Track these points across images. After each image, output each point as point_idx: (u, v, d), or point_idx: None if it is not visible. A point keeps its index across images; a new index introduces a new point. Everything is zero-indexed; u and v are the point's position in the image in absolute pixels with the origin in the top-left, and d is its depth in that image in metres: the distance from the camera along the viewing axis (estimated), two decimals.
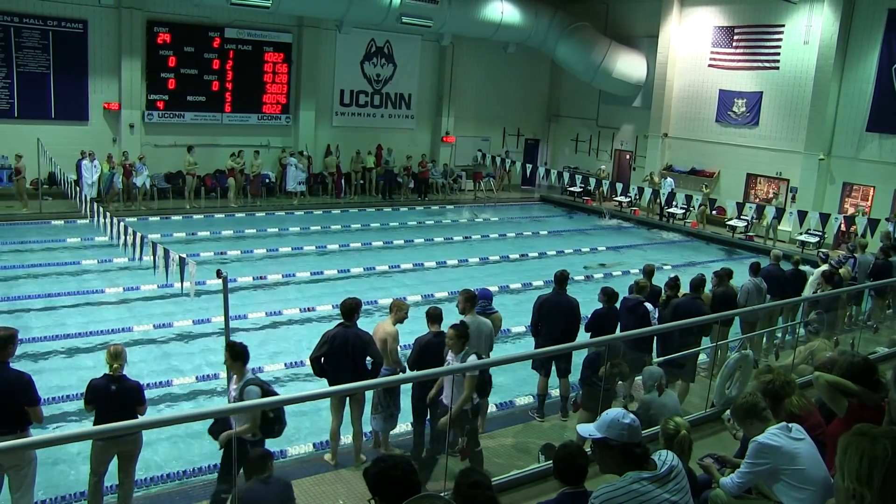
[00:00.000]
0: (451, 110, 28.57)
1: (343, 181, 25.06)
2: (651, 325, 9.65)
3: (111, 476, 6.75)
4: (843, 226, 20.54)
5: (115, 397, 6.44)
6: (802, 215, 21.13)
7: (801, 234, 21.37)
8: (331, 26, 24.81)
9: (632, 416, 3.88)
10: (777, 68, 23.32)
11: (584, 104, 30.04)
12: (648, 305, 9.86)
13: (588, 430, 3.98)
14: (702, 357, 11.46)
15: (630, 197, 25.49)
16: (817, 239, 21.00)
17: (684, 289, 10.59)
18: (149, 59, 22.33)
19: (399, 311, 8.09)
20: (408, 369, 7.98)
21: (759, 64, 23.77)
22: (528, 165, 28.51)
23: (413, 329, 8.40)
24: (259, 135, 24.48)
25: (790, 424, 4.66)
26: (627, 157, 29.00)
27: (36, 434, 6.38)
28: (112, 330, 11.94)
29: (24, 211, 19.31)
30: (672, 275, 11.16)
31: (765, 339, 11.82)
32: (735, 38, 24.40)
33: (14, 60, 20.51)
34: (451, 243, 20.39)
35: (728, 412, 6.11)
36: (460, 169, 28.41)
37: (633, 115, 28.20)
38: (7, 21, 20.26)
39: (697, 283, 10.35)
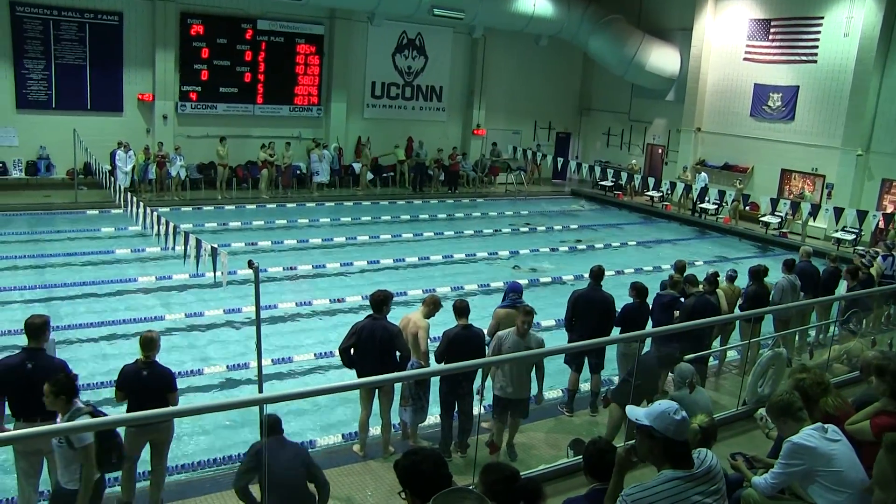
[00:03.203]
0: (482, 103, 28.47)
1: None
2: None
3: (144, 462, 6.83)
4: (881, 223, 20.08)
5: (146, 383, 6.50)
6: (838, 212, 20.75)
7: (836, 231, 21.00)
8: (362, 18, 24.83)
9: (684, 413, 3.80)
10: (815, 62, 22.88)
11: (616, 98, 29.77)
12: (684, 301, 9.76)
13: (637, 414, 3.89)
14: (732, 354, 11.38)
15: (662, 192, 25.24)
16: (853, 236, 20.61)
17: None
18: (182, 50, 22.53)
19: (433, 307, 8.09)
20: (435, 362, 7.98)
21: (796, 57, 23.34)
22: (559, 159, 28.34)
23: (440, 321, 8.38)
24: (290, 126, 24.61)
25: (826, 425, 4.58)
26: (660, 151, 28.71)
27: None
28: (144, 318, 12.06)
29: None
30: (711, 271, 11.01)
31: (797, 337, 11.66)
32: (772, 30, 23.99)
33: (52, 53, 20.82)
34: (482, 236, 20.37)
35: (761, 410, 6.02)
36: (491, 161, 28.37)
37: (666, 109, 27.88)
38: (46, 14, 20.56)
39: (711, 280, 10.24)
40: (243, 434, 8.44)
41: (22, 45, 20.43)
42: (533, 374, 7.91)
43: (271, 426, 5.75)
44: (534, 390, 7.96)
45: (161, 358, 6.76)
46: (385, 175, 25.80)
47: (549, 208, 25.57)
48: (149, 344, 6.62)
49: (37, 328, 6.25)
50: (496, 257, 17.93)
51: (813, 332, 12.18)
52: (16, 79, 20.51)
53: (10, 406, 6.16)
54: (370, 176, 24.99)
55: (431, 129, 27.40)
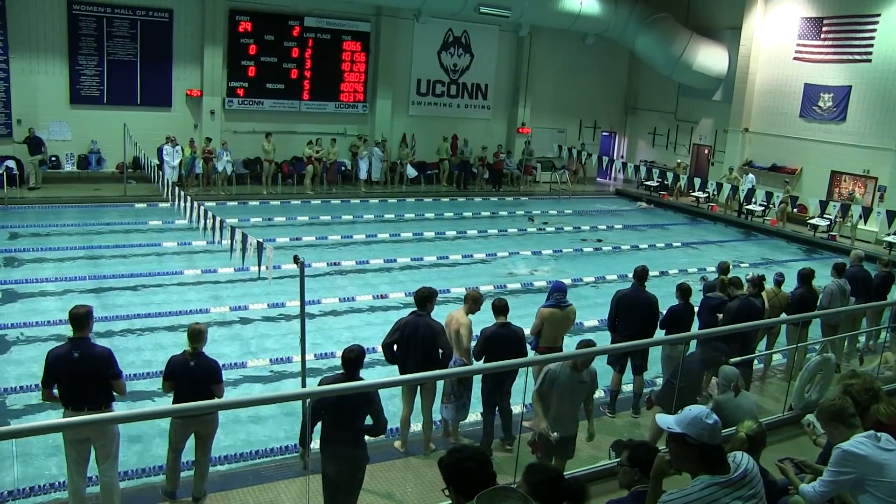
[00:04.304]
0: (527, 101, 28.37)
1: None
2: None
3: (188, 453, 6.94)
4: None
5: (193, 373, 6.61)
6: (891, 215, 20.22)
7: (888, 234, 20.48)
8: (409, 16, 24.91)
9: (715, 416, 3.75)
10: (869, 61, 22.28)
11: (662, 97, 29.42)
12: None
13: (667, 422, 3.82)
14: (777, 358, 11.18)
15: (708, 192, 24.88)
16: None
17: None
18: (230, 47, 22.84)
19: (474, 303, 8.08)
20: (473, 360, 7.97)
21: (849, 56, 22.78)
22: (604, 158, 28.11)
23: (483, 319, 8.37)
24: (336, 123, 24.79)
25: (879, 434, 4.45)
26: (706, 151, 28.30)
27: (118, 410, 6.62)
28: (190, 311, 12.23)
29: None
30: (758, 273, 10.83)
31: (846, 342, 11.40)
32: (824, 29, 23.45)
33: (105, 49, 21.29)
34: (525, 234, 20.31)
35: (809, 416, 5.89)
36: (535, 160, 28.25)
37: (713, 109, 27.45)
38: (100, 12, 21.03)
39: (757, 282, 10.05)
40: (286, 427, 8.54)
41: (77, 42, 20.93)
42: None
43: (352, 361, 6.10)
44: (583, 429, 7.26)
45: (206, 350, 6.86)
46: (429, 172, 25.86)
47: (593, 207, 25.36)
48: (196, 335, 6.73)
49: (81, 318, 6.36)
50: (539, 256, 17.84)
51: (863, 338, 11.90)
52: (70, 75, 21.03)
53: (60, 395, 6.31)
54: (414, 173, 25.04)
55: (476, 127, 27.38)
